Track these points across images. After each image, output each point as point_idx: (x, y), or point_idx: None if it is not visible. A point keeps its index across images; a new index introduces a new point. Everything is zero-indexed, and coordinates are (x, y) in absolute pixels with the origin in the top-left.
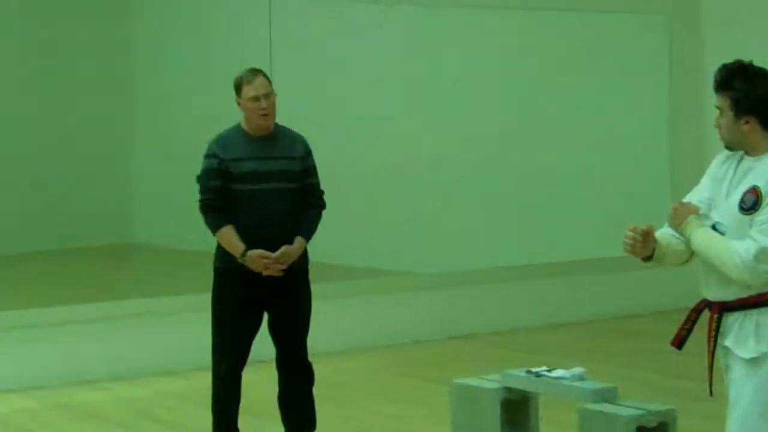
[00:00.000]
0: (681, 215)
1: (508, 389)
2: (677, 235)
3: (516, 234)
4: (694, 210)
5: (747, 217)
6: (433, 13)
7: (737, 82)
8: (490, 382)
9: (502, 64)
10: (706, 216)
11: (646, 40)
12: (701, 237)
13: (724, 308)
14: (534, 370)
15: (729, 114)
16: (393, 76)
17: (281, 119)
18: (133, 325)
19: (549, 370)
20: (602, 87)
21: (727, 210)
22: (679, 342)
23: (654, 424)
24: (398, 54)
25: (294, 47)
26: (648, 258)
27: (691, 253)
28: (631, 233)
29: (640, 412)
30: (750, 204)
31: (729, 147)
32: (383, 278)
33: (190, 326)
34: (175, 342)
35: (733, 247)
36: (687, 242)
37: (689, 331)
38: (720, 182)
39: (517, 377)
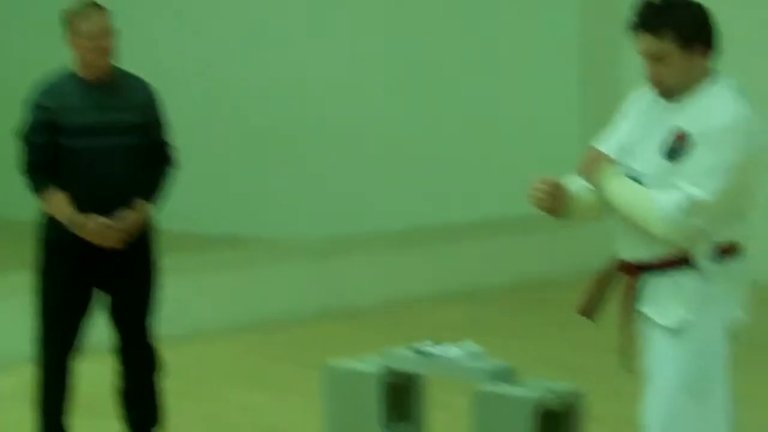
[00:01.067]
0: (594, 164)
1: (391, 371)
2: (590, 186)
3: (404, 193)
4: (608, 158)
5: (672, 167)
6: None
7: (676, 14)
8: (369, 363)
9: (392, 6)
10: (621, 164)
11: None
12: (618, 189)
13: (641, 269)
14: (421, 348)
15: (676, 52)
16: (267, 20)
17: (123, 64)
18: None
19: (438, 348)
20: (502, 27)
21: (647, 157)
22: (588, 309)
23: (558, 407)
24: None
25: None
26: (558, 213)
27: (606, 208)
28: (539, 185)
29: (542, 393)
30: (677, 151)
31: (669, 95)
32: (246, 248)
33: (10, 310)
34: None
35: (657, 199)
36: (601, 195)
37: (599, 296)
38: (640, 125)
39: (401, 357)
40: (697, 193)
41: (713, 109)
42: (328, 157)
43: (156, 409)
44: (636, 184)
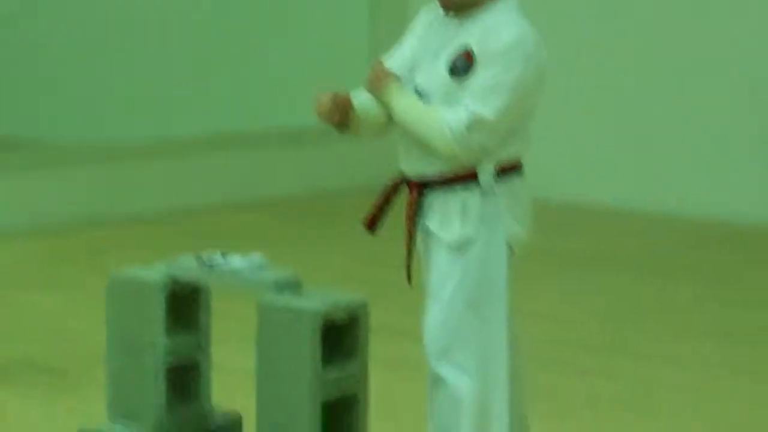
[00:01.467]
0: (380, 79)
1: (175, 281)
2: (376, 102)
3: (195, 100)
4: (393, 74)
5: (457, 84)
6: None
7: None
8: (154, 272)
9: None
10: (407, 80)
11: None
12: (405, 105)
13: (425, 186)
14: (205, 258)
15: None
16: None
17: None
18: None
19: (223, 258)
20: None
21: (433, 74)
22: (372, 223)
23: (343, 318)
24: None
25: None
26: (342, 126)
27: (391, 123)
28: (325, 98)
29: (327, 305)
30: (462, 68)
31: (454, 8)
32: (29, 151)
33: None
34: None
35: (441, 116)
36: (387, 110)
37: (383, 210)
38: (427, 42)
39: (186, 267)
40: (481, 110)
41: (498, 27)
42: (116, 59)
43: None
44: (421, 102)
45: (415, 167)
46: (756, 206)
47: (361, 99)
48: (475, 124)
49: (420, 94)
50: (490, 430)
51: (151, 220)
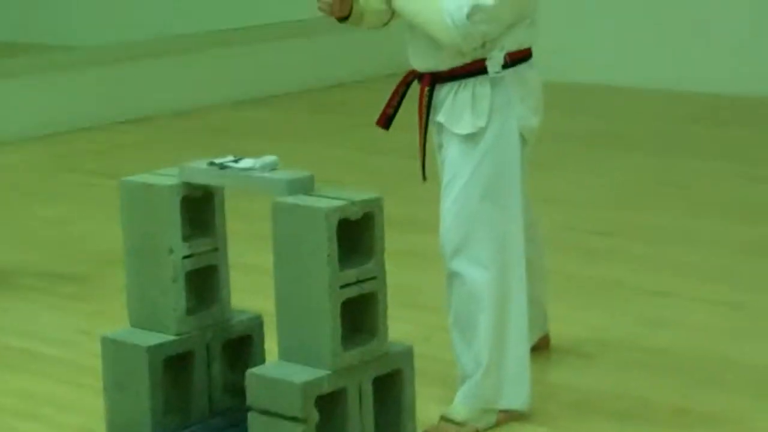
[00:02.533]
0: None
1: (188, 185)
2: None
3: None
4: None
5: None
6: None
7: None
8: (167, 177)
9: None
10: None
11: None
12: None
13: (435, 79)
14: (218, 160)
15: None
16: None
17: None
18: None
19: (236, 160)
20: None
21: None
22: (386, 121)
23: (359, 215)
24: None
25: None
26: (344, 18)
27: (393, 14)
28: None
29: (342, 203)
30: None
31: None
32: (28, 54)
33: None
34: None
35: (443, 6)
36: (388, 1)
37: (396, 108)
38: None
39: (198, 171)
40: (489, 3)
41: None
42: None
43: None
44: None
45: (424, 62)
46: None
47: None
48: (475, 11)
49: None
50: (509, 320)
51: (158, 119)
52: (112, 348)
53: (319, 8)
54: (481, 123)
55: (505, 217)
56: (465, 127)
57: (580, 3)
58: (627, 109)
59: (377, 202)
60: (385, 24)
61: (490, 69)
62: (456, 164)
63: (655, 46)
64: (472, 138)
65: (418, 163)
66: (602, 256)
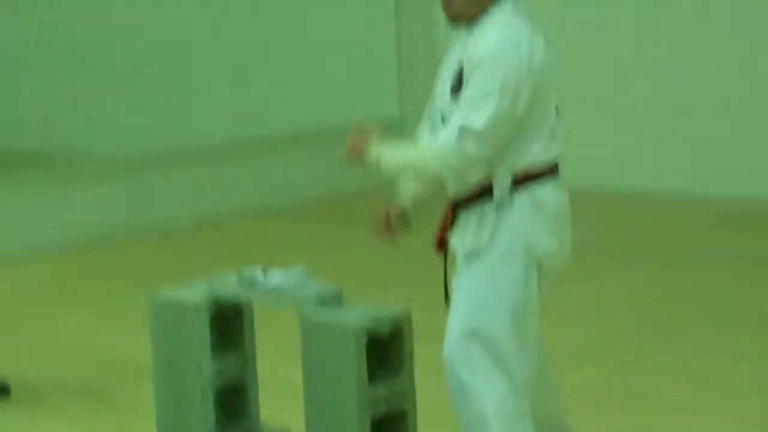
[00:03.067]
0: (357, 149)
1: (217, 301)
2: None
3: (222, 109)
4: (370, 131)
5: (455, 101)
6: None
7: None
8: (195, 292)
9: None
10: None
11: None
12: (392, 157)
13: (456, 205)
14: (246, 273)
15: None
16: None
17: None
18: None
19: (264, 272)
20: None
21: (443, 95)
22: (441, 244)
23: (388, 332)
24: None
25: None
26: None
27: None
28: (379, 218)
29: (371, 320)
30: (453, 83)
31: (456, 19)
32: (54, 165)
33: None
34: None
35: (431, 145)
36: (382, 170)
37: (448, 229)
38: (445, 63)
39: (227, 286)
40: (469, 121)
41: (485, 37)
42: (139, 71)
43: None
44: (405, 145)
45: (448, 188)
46: None
47: (407, 193)
48: (464, 136)
49: (442, 118)
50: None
51: (184, 230)
52: None
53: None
54: (482, 242)
55: (510, 333)
56: (466, 245)
57: (596, 110)
58: (640, 216)
59: (406, 317)
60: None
61: (495, 192)
62: (459, 280)
63: (667, 154)
64: (475, 256)
65: (443, 288)
66: (625, 368)
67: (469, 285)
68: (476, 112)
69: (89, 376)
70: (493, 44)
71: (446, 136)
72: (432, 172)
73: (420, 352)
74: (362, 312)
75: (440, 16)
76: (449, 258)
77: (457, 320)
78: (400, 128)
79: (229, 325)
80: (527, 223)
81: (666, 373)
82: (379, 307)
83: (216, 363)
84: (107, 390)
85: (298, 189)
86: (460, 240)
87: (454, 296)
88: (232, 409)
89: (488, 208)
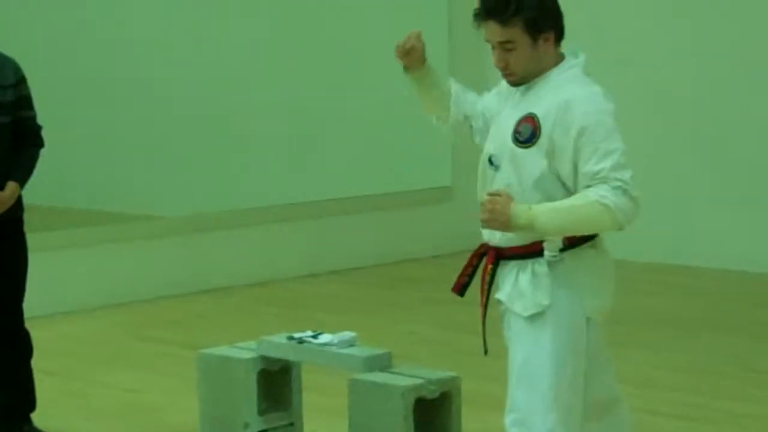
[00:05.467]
0: (502, 212)
1: (266, 359)
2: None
3: (276, 172)
4: (508, 198)
5: (523, 149)
6: None
7: (524, 4)
8: (245, 351)
9: (266, 10)
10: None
11: None
12: (548, 219)
13: (500, 255)
14: (296, 335)
15: (524, 39)
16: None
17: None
18: None
19: (314, 335)
20: (381, 37)
21: (499, 137)
22: (460, 289)
23: (436, 394)
24: None
25: None
26: (409, 67)
27: (451, 123)
28: (410, 36)
29: (419, 381)
30: (527, 135)
31: (521, 83)
32: (115, 223)
33: None
34: None
35: (592, 202)
36: (534, 232)
37: (471, 276)
38: (504, 99)
39: (277, 345)
40: (623, 175)
41: (571, 92)
42: (197, 137)
43: (29, 392)
44: (561, 203)
45: (492, 235)
46: None
47: (449, 83)
48: (626, 191)
49: (491, 161)
50: None
51: (233, 290)
52: None
53: (396, 45)
54: (545, 302)
55: (572, 396)
56: (528, 308)
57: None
58: (694, 290)
59: (455, 382)
60: (443, 118)
61: (546, 252)
62: (520, 342)
63: (713, 227)
64: (536, 318)
65: (481, 338)
66: None
67: (533, 346)
68: (618, 166)
69: None
70: (590, 99)
71: (606, 194)
72: (599, 228)
73: (469, 419)
74: (411, 373)
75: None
76: (489, 309)
77: (518, 384)
78: (451, 196)
79: (277, 382)
80: (579, 282)
81: None
82: (427, 371)
83: (262, 421)
84: None
85: (347, 253)
86: (515, 300)
87: (512, 358)
88: None
89: (540, 266)
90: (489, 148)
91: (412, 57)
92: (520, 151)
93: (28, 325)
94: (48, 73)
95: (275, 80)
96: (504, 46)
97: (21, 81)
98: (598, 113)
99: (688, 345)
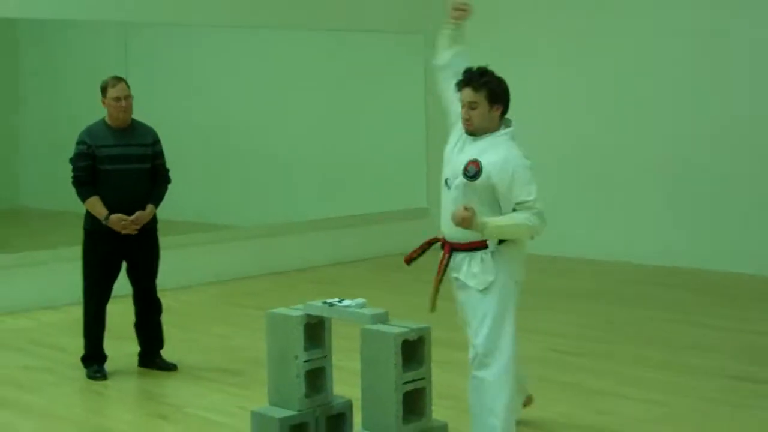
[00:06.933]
0: (466, 221)
1: (309, 315)
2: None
3: (316, 195)
4: (473, 211)
5: (469, 182)
6: (238, 33)
7: (491, 80)
8: (295, 310)
9: (304, 76)
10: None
11: (408, 55)
12: (493, 228)
13: (454, 248)
14: (328, 301)
15: (484, 104)
16: (221, 84)
17: (137, 116)
18: (23, 271)
19: (339, 301)
20: (374, 93)
21: (453, 169)
22: (409, 260)
23: (415, 338)
24: (215, 67)
25: (144, 64)
26: (452, 25)
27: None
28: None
29: (406, 329)
30: (472, 173)
31: (474, 133)
32: (215, 230)
33: (66, 272)
34: (55, 283)
35: (522, 221)
36: (484, 235)
37: (420, 254)
38: (454, 143)
39: (315, 307)
40: (537, 205)
41: (500, 150)
42: (267, 170)
43: (160, 337)
44: (501, 220)
45: (451, 234)
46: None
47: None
48: (540, 215)
49: (446, 182)
50: (514, 403)
51: (288, 273)
52: (258, 418)
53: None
54: (490, 278)
55: (509, 338)
56: (480, 283)
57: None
58: (587, 272)
59: (427, 330)
60: (439, 58)
61: (489, 245)
62: (478, 307)
63: (605, 228)
64: (485, 290)
65: (431, 301)
66: (572, 368)
67: (490, 308)
68: (536, 200)
69: (229, 362)
70: (512, 155)
71: (531, 216)
72: (525, 236)
73: (437, 353)
74: (400, 325)
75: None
76: (443, 282)
77: (479, 333)
78: (427, 214)
79: (316, 330)
80: (510, 264)
81: (598, 371)
82: (411, 323)
83: (306, 354)
84: (240, 371)
85: (363, 249)
86: (470, 278)
87: (470, 318)
88: (315, 385)
89: (486, 255)
90: (446, 172)
91: (459, 15)
92: (465, 182)
93: (159, 294)
94: (172, 134)
95: (307, 136)
96: (471, 105)
97: (156, 141)
98: (523, 167)
99: (582, 308)
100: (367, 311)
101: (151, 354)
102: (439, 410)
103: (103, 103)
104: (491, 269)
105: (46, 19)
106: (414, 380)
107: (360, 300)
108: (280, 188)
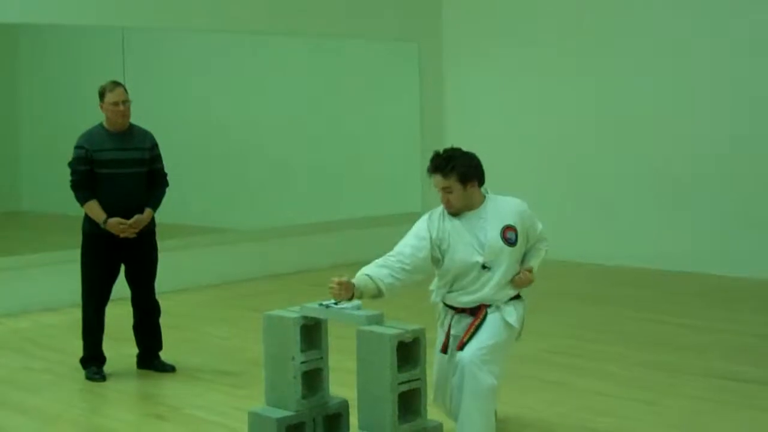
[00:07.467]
0: (531, 280)
1: (305, 317)
2: (375, 275)
3: (314, 198)
4: (530, 270)
5: (511, 249)
6: (231, 38)
7: (457, 163)
8: (292, 312)
9: (302, 82)
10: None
11: (402, 63)
12: (537, 270)
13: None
14: (324, 302)
15: (458, 187)
16: (218, 90)
17: (135, 120)
18: (23, 273)
19: (336, 303)
20: (370, 99)
21: (490, 250)
22: (461, 346)
23: (410, 339)
24: (213, 72)
25: (142, 69)
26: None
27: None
28: (334, 285)
29: (401, 330)
30: (513, 239)
31: (457, 214)
32: (214, 234)
33: (65, 274)
34: (54, 285)
35: (543, 252)
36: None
37: (472, 335)
38: (447, 236)
39: (312, 308)
40: (545, 235)
41: (504, 206)
42: (265, 174)
43: (158, 339)
44: (534, 260)
45: (494, 297)
46: (671, 257)
47: (362, 276)
48: (546, 240)
49: (485, 266)
50: (495, 404)
51: (286, 276)
52: (255, 419)
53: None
54: (519, 324)
55: (503, 370)
56: (516, 321)
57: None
58: (579, 276)
59: (421, 331)
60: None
61: (522, 295)
62: (499, 330)
63: (592, 234)
64: (508, 325)
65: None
66: (560, 367)
67: (500, 335)
68: (544, 231)
69: (227, 364)
70: (519, 204)
71: (544, 244)
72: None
73: (431, 354)
74: (395, 326)
75: (450, 139)
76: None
77: (480, 345)
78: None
79: (312, 331)
80: (520, 314)
81: (586, 370)
82: (406, 324)
83: (303, 355)
84: (237, 372)
85: (360, 253)
86: (507, 313)
87: (485, 330)
88: (312, 385)
89: (518, 304)
90: (476, 258)
91: (338, 295)
92: (509, 248)
93: (158, 296)
94: (170, 138)
95: (304, 141)
96: (446, 190)
97: (154, 145)
98: (525, 207)
99: (575, 310)
100: (362, 313)
101: (150, 355)
102: (434, 410)
103: (102, 107)
104: (519, 315)
105: (45, 25)
106: (409, 381)
107: (356, 302)
108: (278, 192)
